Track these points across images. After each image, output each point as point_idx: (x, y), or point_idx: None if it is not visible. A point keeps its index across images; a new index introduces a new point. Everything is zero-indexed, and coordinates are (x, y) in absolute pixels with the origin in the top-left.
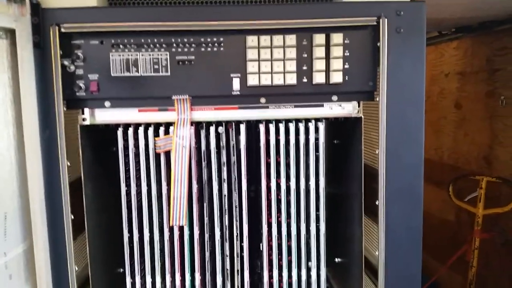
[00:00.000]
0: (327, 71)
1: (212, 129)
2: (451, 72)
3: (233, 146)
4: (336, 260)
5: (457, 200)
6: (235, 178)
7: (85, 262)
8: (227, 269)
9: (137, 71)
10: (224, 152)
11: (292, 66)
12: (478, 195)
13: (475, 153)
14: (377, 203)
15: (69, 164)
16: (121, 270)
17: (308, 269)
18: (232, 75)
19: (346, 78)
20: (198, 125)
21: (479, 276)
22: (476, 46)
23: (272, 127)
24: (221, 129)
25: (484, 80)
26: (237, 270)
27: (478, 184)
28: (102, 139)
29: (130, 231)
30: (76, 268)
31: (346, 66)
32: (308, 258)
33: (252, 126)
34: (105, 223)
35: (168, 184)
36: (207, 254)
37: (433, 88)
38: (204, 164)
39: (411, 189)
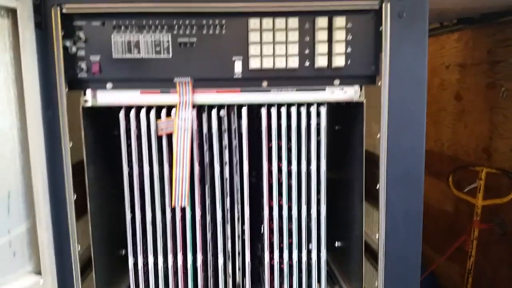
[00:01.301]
0: (330, 54)
1: (214, 112)
2: (452, 64)
3: (235, 130)
4: (337, 244)
5: (456, 191)
6: (236, 162)
7: (88, 244)
8: (228, 251)
9: (139, 52)
10: (225, 136)
11: (294, 49)
12: (477, 186)
13: (474, 144)
14: (377, 187)
15: (71, 145)
16: (123, 252)
17: (309, 252)
18: (234, 58)
19: (348, 62)
20: (199, 109)
21: (477, 266)
22: (478, 38)
23: (274, 111)
24: (222, 113)
25: (485, 72)
26: (238, 252)
27: (478, 175)
28: (104, 122)
29: (133, 212)
30: (79, 248)
31: (349, 50)
32: (309, 241)
33: (254, 110)
34: (108, 205)
35: (170, 166)
36: (209, 235)
37: (433, 80)
38: (205, 147)
39: (412, 173)
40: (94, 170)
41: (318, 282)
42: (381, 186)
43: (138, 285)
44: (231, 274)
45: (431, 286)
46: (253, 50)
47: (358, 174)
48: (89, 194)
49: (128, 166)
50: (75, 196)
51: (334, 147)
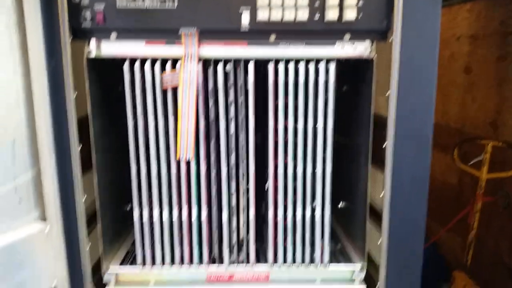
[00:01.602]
0: (341, 7)
1: (220, 66)
2: (463, 35)
3: (241, 86)
4: (341, 204)
5: (461, 163)
6: (242, 118)
7: (93, 198)
8: (232, 206)
9: (143, 2)
10: (231, 91)
11: (304, 0)
12: (482, 159)
13: (482, 117)
14: (384, 146)
15: (75, 95)
16: (129, 207)
17: (313, 210)
18: (241, 9)
19: (360, 16)
20: (205, 63)
21: (479, 238)
22: (491, 8)
23: (281, 67)
24: (228, 68)
25: (497, 44)
26: (243, 208)
27: (484, 148)
28: (109, 77)
29: (138, 165)
30: (84, 199)
31: (360, 4)
32: (313, 199)
33: (261, 67)
34: (113, 160)
35: (175, 120)
36: (214, 190)
37: (443, 52)
38: (211, 102)
39: (420, 132)
40: (99, 124)
41: (321, 238)
42: (389, 144)
43: (143, 238)
44: (235, 229)
45: (432, 257)
46: (261, 0)
47: (364, 134)
48: (94, 147)
49: (133, 119)
50: (80, 146)
51: (341, 109)
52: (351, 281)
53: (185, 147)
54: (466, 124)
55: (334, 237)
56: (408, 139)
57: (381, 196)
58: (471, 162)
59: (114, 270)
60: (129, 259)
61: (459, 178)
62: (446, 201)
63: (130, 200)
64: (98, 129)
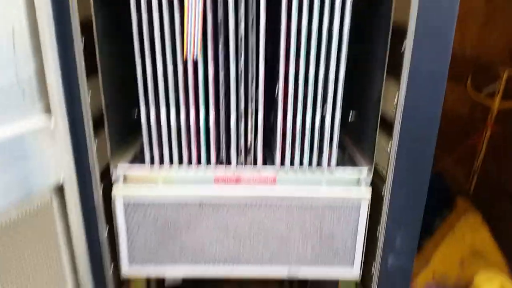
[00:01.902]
0: None
1: None
2: None
3: None
4: (351, 117)
5: (474, 92)
6: (253, 18)
7: (99, 101)
8: (241, 111)
9: None
10: None
11: None
12: (497, 88)
13: (500, 46)
14: (402, 50)
15: None
16: (136, 112)
17: (323, 116)
18: None
19: None
20: None
21: (484, 167)
22: None
23: None
24: None
25: None
26: (251, 113)
27: (499, 78)
28: None
29: (143, 65)
30: (89, 97)
31: None
32: (324, 104)
33: None
34: (118, 61)
35: (182, 18)
36: (222, 94)
37: None
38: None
39: (441, 33)
40: (102, 23)
41: (329, 144)
42: (407, 48)
43: (151, 138)
44: (243, 134)
45: (437, 184)
46: None
47: (382, 43)
48: (98, 47)
49: (137, 15)
50: (84, 43)
51: (358, 16)
52: (357, 184)
53: (192, 45)
54: (483, 53)
55: (342, 147)
56: (427, 45)
57: (394, 102)
58: (485, 91)
59: (122, 169)
60: (137, 161)
61: (470, 109)
62: (455, 132)
63: (137, 104)
64: (102, 28)
